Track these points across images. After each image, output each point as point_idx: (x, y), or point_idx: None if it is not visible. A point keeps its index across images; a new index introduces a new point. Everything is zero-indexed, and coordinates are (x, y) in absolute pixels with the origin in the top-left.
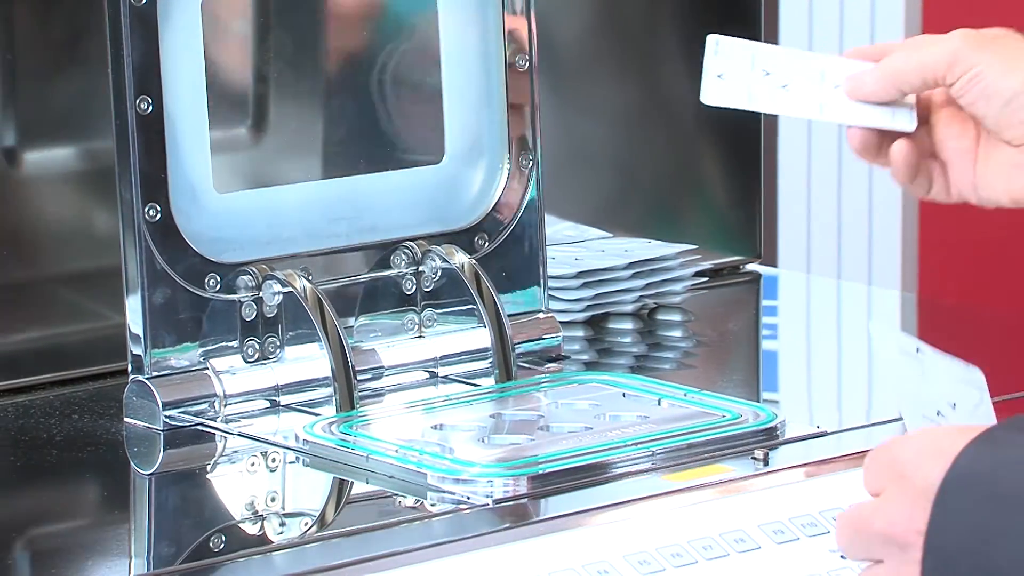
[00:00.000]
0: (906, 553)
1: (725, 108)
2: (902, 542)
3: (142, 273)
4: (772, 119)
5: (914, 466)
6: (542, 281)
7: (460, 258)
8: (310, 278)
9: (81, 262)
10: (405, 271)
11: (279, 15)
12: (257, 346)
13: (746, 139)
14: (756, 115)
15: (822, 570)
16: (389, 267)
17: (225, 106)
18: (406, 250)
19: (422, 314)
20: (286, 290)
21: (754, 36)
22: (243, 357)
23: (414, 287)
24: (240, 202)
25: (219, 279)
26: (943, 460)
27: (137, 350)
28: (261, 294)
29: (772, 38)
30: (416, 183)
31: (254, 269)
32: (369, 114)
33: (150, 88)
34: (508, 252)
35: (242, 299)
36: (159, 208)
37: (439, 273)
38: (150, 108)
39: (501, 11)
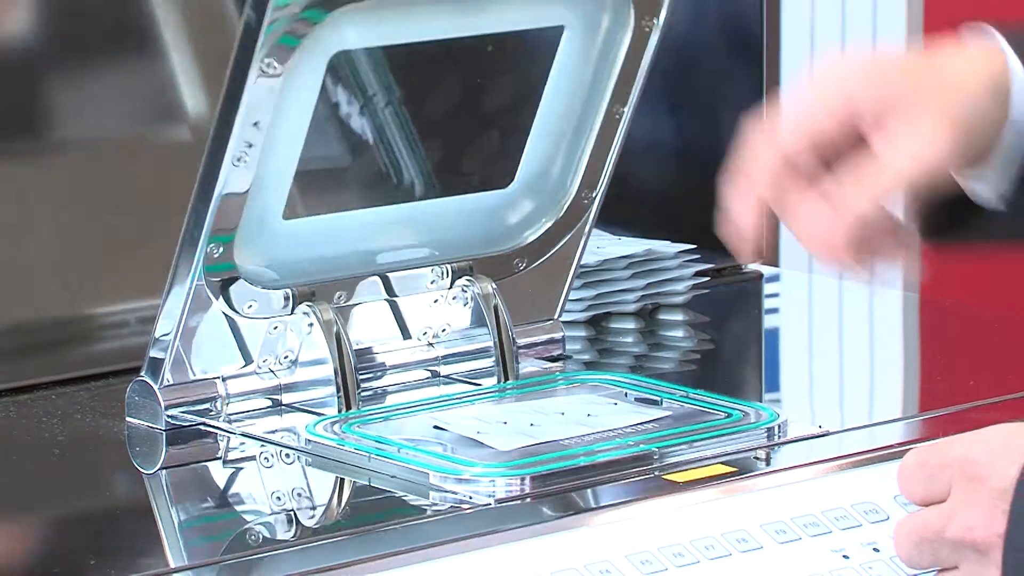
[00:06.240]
0: (986, 557)
1: (725, 104)
2: (983, 547)
3: (187, 300)
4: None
5: (988, 467)
6: (561, 301)
7: (485, 287)
8: (339, 303)
9: (83, 261)
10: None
11: (403, 71)
12: None
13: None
14: (758, 113)
15: (824, 570)
16: (424, 289)
17: (314, 150)
18: (439, 275)
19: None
20: (310, 321)
21: (756, 33)
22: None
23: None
24: (302, 228)
25: (256, 302)
26: (1018, 458)
27: (159, 354)
28: (289, 324)
29: (773, 33)
30: (478, 207)
31: (291, 291)
32: (450, 143)
33: (250, 147)
34: (539, 274)
35: (275, 323)
36: (223, 248)
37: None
38: (244, 163)
39: (620, 62)
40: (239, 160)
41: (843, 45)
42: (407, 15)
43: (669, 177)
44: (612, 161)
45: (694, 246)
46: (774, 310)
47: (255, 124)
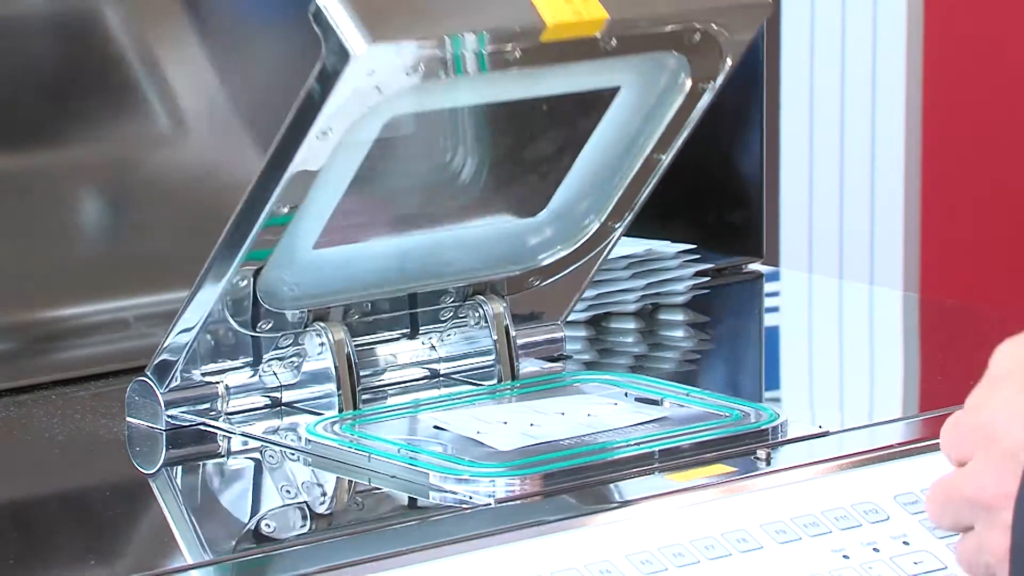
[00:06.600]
0: (994, 516)
1: (724, 105)
2: (993, 506)
3: (205, 319)
4: (773, 117)
5: (1003, 429)
6: (568, 310)
7: (496, 307)
8: (352, 318)
9: (83, 261)
10: (446, 304)
11: (452, 122)
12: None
13: (748, 138)
14: (757, 113)
15: (824, 570)
16: (437, 303)
17: (356, 186)
18: (454, 292)
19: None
20: (322, 340)
21: (755, 36)
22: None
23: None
24: (330, 256)
25: (272, 322)
26: None
27: (170, 357)
28: (304, 342)
29: (773, 36)
30: (504, 234)
31: (306, 311)
32: (489, 183)
33: (296, 198)
34: (550, 290)
35: (285, 337)
36: (249, 279)
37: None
38: (284, 210)
39: (669, 117)
40: (280, 208)
41: (843, 46)
42: (468, 82)
43: (670, 176)
44: (642, 199)
45: (694, 246)
46: (774, 310)
47: (302, 179)
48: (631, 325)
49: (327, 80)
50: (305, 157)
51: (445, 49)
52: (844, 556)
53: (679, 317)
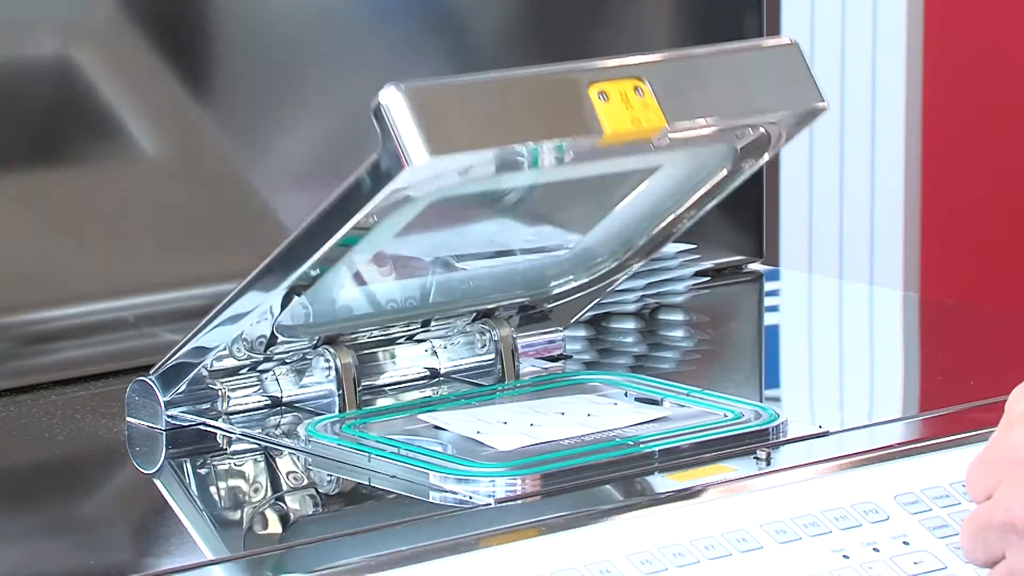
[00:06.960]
0: None
1: None
2: (1021, 529)
3: (221, 346)
4: None
5: None
6: (573, 319)
7: (503, 331)
8: (361, 339)
9: (83, 260)
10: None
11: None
12: None
13: None
14: None
15: (824, 570)
16: (445, 325)
17: (386, 252)
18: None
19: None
20: (329, 365)
21: (757, 33)
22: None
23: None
24: (352, 294)
25: (284, 346)
26: None
27: (191, 360)
28: (310, 358)
29: (774, 35)
30: (523, 269)
31: (314, 335)
32: (518, 234)
33: (329, 261)
34: (560, 307)
35: (291, 354)
36: (276, 310)
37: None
38: (317, 274)
39: (706, 188)
40: (311, 270)
41: (843, 46)
42: (516, 169)
43: None
44: (669, 241)
45: (694, 246)
46: (774, 309)
47: (338, 250)
48: (631, 325)
49: (379, 178)
50: (344, 234)
51: (501, 158)
52: (844, 556)
53: (679, 317)
